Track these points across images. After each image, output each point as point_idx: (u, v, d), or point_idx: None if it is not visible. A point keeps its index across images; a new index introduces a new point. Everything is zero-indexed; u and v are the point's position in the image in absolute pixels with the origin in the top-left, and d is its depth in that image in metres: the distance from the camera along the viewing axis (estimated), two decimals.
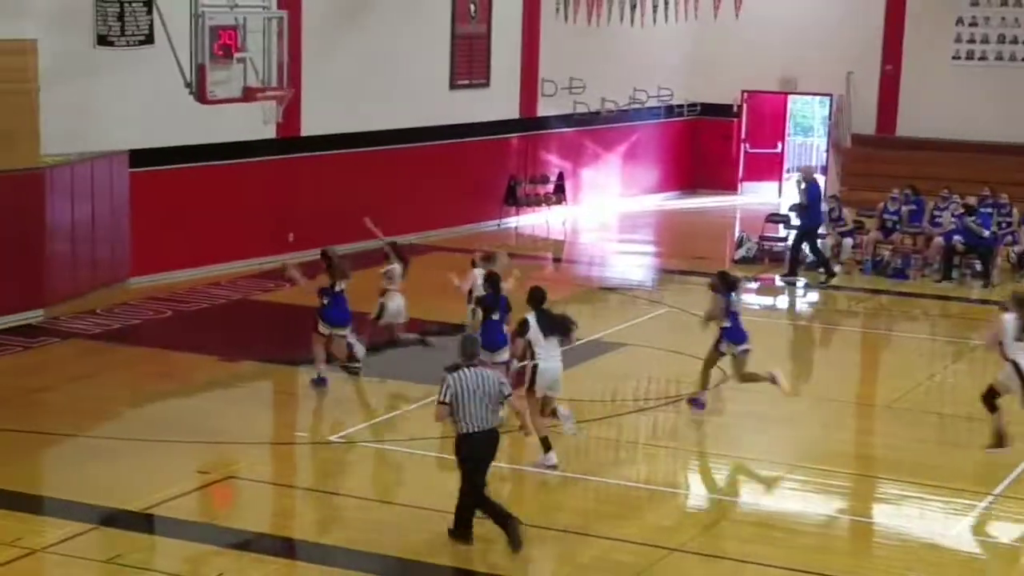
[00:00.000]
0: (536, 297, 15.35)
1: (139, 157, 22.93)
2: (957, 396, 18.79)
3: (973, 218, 25.65)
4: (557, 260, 27.90)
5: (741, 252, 27.22)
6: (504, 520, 12.83)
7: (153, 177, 23.25)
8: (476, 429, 12.77)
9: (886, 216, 26.65)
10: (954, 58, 33.35)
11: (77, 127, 21.90)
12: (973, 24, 33.21)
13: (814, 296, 25.31)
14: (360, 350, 18.09)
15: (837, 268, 25.77)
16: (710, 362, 17.29)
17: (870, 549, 13.62)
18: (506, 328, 16.54)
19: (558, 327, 15.28)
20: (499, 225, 30.31)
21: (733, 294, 17.12)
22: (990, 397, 15.99)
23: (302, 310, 20.27)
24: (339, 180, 26.26)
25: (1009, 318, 15.66)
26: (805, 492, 15.02)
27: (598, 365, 18.89)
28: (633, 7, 31.85)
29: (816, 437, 16.70)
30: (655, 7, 32.11)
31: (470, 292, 17.83)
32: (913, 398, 18.35)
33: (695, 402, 17.30)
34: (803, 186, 25.80)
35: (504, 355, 16.51)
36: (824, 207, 26.43)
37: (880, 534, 13.93)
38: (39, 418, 16.73)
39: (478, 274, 17.52)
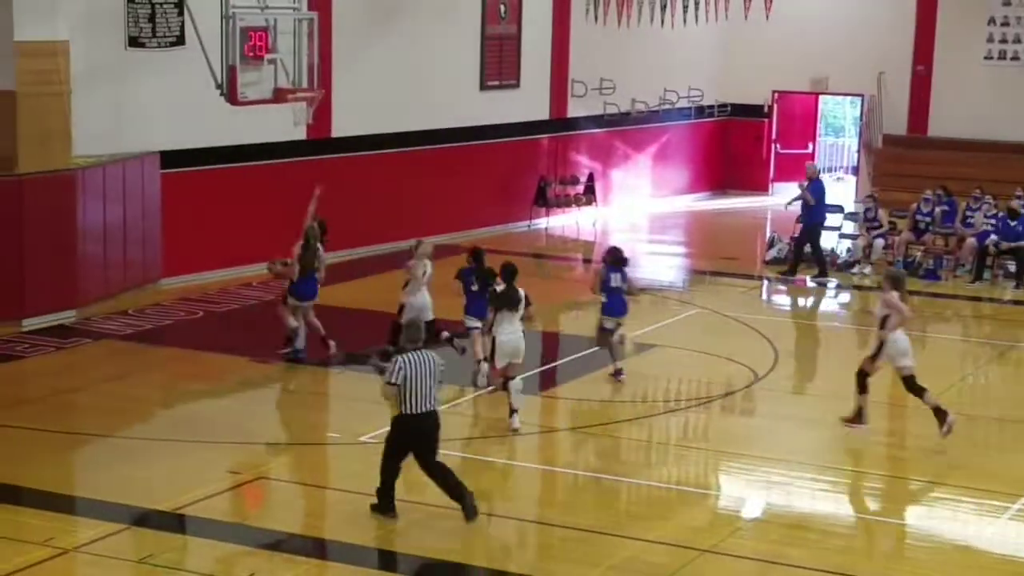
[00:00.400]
0: (504, 271, 17.05)
1: (170, 158, 22.99)
2: (990, 397, 18.72)
3: (1016, 223, 25.51)
4: (587, 261, 27.86)
5: (772, 253, 27.16)
6: (458, 493, 13.25)
7: (184, 178, 23.32)
8: (422, 410, 13.21)
9: (919, 217, 26.58)
10: (986, 58, 33.19)
11: (109, 128, 22.01)
12: (1005, 24, 33.03)
13: (845, 297, 25.23)
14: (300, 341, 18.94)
15: (868, 269, 25.72)
16: None
17: (902, 551, 13.57)
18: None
19: (505, 301, 16.69)
20: (529, 226, 30.30)
21: (615, 272, 18.36)
22: (862, 377, 16.50)
23: (333, 311, 20.34)
24: (369, 181, 26.29)
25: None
26: (837, 494, 14.98)
27: (629, 366, 18.85)
28: (663, 8, 31.79)
29: (847, 438, 16.63)
30: (685, 8, 32.04)
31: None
32: (945, 399, 18.20)
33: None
34: (806, 184, 25.85)
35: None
36: (861, 207, 26.44)
37: (912, 536, 13.88)
38: (71, 418, 16.81)
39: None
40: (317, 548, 13.18)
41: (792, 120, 36.16)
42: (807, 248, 25.92)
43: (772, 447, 16.24)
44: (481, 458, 15.62)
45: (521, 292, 16.88)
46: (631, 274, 19.03)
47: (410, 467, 15.17)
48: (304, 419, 17.47)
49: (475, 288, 18.13)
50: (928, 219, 26.49)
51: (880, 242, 26.26)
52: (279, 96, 19.61)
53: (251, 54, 19.10)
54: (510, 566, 12.70)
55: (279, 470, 15.06)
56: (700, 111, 34.92)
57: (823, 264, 25.56)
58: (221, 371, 18.73)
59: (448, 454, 15.62)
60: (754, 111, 35.53)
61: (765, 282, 26.02)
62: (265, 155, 24.65)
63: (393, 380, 13.16)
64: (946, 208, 26.65)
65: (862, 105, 34.99)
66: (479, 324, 17.91)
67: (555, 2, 30.60)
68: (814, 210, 25.87)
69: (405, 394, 13.14)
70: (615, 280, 18.47)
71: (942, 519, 14.29)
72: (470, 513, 13.17)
